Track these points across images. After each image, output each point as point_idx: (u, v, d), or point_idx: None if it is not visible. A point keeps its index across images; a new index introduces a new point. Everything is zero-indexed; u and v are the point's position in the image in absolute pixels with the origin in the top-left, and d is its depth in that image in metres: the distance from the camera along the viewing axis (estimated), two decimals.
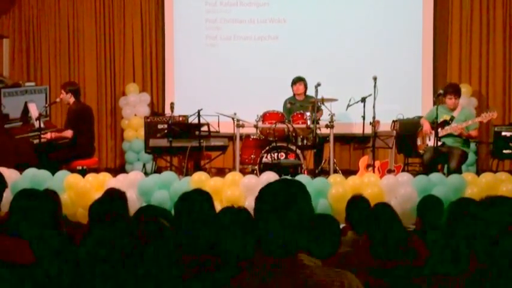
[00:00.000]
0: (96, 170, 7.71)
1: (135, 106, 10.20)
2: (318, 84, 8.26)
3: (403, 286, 3.32)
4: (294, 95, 9.03)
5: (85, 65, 10.47)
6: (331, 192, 6.48)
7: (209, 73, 10.27)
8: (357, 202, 4.75)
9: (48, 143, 7.92)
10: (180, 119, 9.06)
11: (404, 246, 3.72)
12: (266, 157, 8.23)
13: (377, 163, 8.41)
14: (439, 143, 7.70)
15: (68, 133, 8.05)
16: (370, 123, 8.22)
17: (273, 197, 2.19)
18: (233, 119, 8.45)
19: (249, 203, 5.84)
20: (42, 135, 7.80)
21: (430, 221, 4.47)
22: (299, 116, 8.42)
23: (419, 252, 3.85)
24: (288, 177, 6.22)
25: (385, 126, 8.78)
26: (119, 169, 9.94)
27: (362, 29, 10.01)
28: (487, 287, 2.41)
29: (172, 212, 3.67)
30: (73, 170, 7.48)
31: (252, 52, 10.20)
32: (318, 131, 8.36)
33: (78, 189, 6.63)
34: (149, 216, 3.41)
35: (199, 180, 6.57)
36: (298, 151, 8.25)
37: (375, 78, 8.21)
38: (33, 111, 8.23)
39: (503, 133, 9.31)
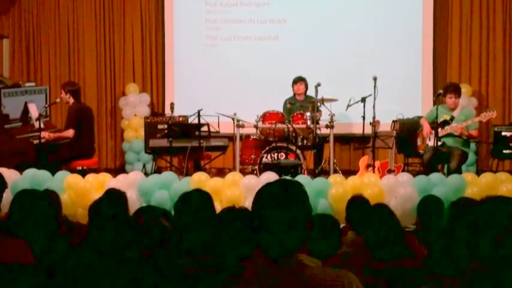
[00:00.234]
0: (96, 170, 7.71)
1: (135, 106, 10.20)
2: (318, 84, 8.26)
3: (402, 286, 3.32)
4: (294, 95, 9.03)
5: (85, 65, 10.47)
6: (331, 192, 6.48)
7: (209, 73, 10.27)
8: (357, 202, 4.76)
9: (48, 143, 7.92)
10: (180, 119, 9.06)
11: (402, 247, 3.72)
12: (266, 157, 8.23)
13: (377, 163, 8.41)
14: (439, 143, 7.70)
15: (69, 133, 8.04)
16: (370, 123, 8.22)
17: (270, 197, 2.19)
18: (233, 119, 8.45)
19: (249, 203, 5.84)
20: (42, 136, 7.80)
21: (430, 221, 4.47)
22: (299, 116, 8.42)
23: (418, 253, 3.85)
24: (287, 177, 6.23)
25: (385, 126, 8.78)
26: (119, 169, 9.94)
27: (362, 29, 10.01)
28: (487, 287, 2.41)
29: (172, 212, 3.67)
30: (73, 170, 7.47)
31: (252, 52, 10.20)
32: (318, 131, 8.36)
33: (78, 189, 6.63)
34: (148, 216, 3.42)
35: (199, 180, 6.57)
36: (298, 151, 8.25)
37: (375, 78, 8.21)
38: (33, 111, 8.23)
39: (503, 133, 9.30)
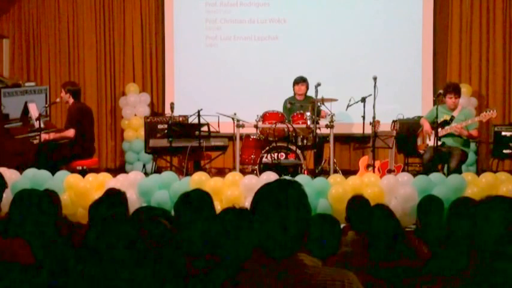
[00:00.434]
0: (96, 170, 7.70)
1: (135, 106, 10.21)
2: (318, 84, 8.26)
3: (403, 286, 3.32)
4: (295, 94, 9.02)
5: (85, 65, 10.47)
6: (331, 192, 6.48)
7: (209, 73, 10.27)
8: (357, 202, 4.76)
9: (48, 143, 7.92)
10: (180, 119, 9.06)
11: (403, 247, 3.72)
12: (266, 157, 8.23)
13: (377, 163, 8.41)
14: (439, 143, 7.71)
15: (70, 132, 8.04)
16: (370, 123, 8.22)
17: (269, 197, 2.19)
18: (233, 119, 8.45)
19: (249, 203, 5.84)
20: (43, 136, 7.80)
21: (430, 221, 4.47)
22: (299, 116, 8.42)
23: (419, 252, 3.85)
24: (287, 177, 6.23)
25: (385, 126, 8.78)
26: (118, 169, 9.94)
27: (362, 29, 10.01)
28: (487, 287, 2.41)
29: (172, 212, 3.67)
30: (73, 170, 7.48)
31: (252, 52, 10.21)
32: (318, 131, 8.36)
33: (78, 189, 6.63)
34: (148, 216, 3.41)
35: (199, 180, 6.57)
36: (298, 151, 8.25)
37: (374, 78, 8.21)
38: (33, 111, 8.23)
39: (503, 133, 9.31)
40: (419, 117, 8.69)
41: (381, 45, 9.97)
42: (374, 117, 8.18)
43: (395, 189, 6.47)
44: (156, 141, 8.59)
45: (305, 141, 8.40)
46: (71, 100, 8.17)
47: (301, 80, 8.97)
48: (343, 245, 3.92)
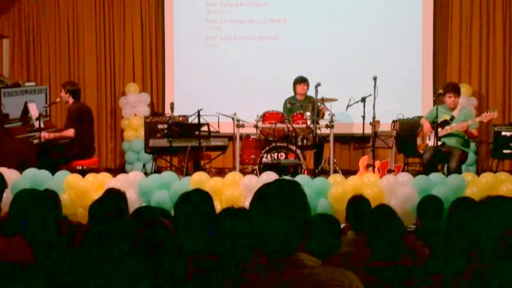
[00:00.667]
0: (96, 170, 7.70)
1: (135, 106, 10.21)
2: (318, 84, 8.26)
3: (403, 286, 3.32)
4: (296, 94, 9.02)
5: (85, 65, 10.47)
6: (331, 192, 6.47)
7: (209, 73, 10.27)
8: (357, 202, 4.75)
9: (48, 143, 7.92)
10: (180, 119, 9.05)
11: (403, 246, 3.72)
12: (266, 157, 8.23)
13: (377, 163, 8.41)
14: (439, 143, 7.71)
15: (70, 132, 8.04)
16: (370, 123, 8.22)
17: (269, 197, 2.19)
18: (233, 119, 8.45)
19: (249, 203, 5.84)
20: (42, 136, 7.80)
21: (430, 221, 4.47)
22: (299, 116, 8.42)
23: (419, 252, 3.85)
24: (286, 177, 6.23)
25: (385, 126, 8.77)
26: (118, 169, 9.93)
27: (362, 29, 10.01)
28: (487, 287, 2.41)
29: (172, 212, 3.67)
30: (73, 170, 7.47)
31: (252, 52, 10.20)
32: (318, 131, 8.36)
33: (78, 189, 6.62)
34: (148, 216, 3.41)
35: (199, 180, 6.56)
36: (298, 151, 8.25)
37: (374, 78, 8.22)
38: (33, 111, 8.23)
39: (503, 133, 9.31)
40: (419, 117, 8.69)
41: (381, 45, 9.97)
42: (374, 117, 8.18)
43: (395, 189, 6.46)
44: (156, 141, 8.58)
45: (305, 141, 8.40)
46: (71, 100, 8.16)
47: (303, 80, 8.97)
48: (343, 245, 3.92)
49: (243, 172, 7.95)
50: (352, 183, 6.61)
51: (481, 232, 2.49)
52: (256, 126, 8.35)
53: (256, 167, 8.23)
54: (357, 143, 9.89)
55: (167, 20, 10.33)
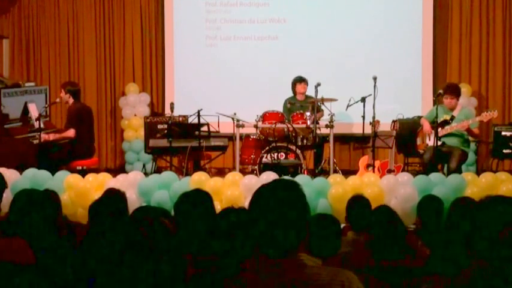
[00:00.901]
0: (96, 170, 7.70)
1: (135, 106, 10.21)
2: (318, 84, 8.26)
3: (403, 286, 3.32)
4: (295, 94, 9.02)
5: (85, 65, 10.47)
6: (331, 192, 6.47)
7: (209, 73, 10.28)
8: (357, 202, 4.76)
9: (48, 143, 7.92)
10: (180, 119, 9.05)
11: (403, 246, 3.71)
12: (266, 157, 8.23)
13: (377, 163, 8.41)
14: (439, 143, 7.70)
15: (71, 132, 8.04)
16: (370, 123, 8.22)
17: (268, 197, 2.19)
18: (233, 119, 8.45)
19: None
20: (43, 137, 7.80)
21: (430, 221, 4.47)
22: (299, 116, 8.42)
23: (419, 252, 3.85)
24: (286, 177, 6.23)
25: (385, 126, 8.77)
26: (118, 169, 9.94)
27: (362, 29, 10.01)
28: (487, 286, 2.41)
29: (172, 212, 3.66)
30: (73, 170, 7.47)
31: (252, 52, 10.21)
32: (318, 131, 8.36)
33: (78, 189, 6.62)
34: (148, 216, 3.41)
35: (199, 180, 6.56)
36: (298, 151, 8.25)
37: (374, 78, 8.21)
38: (33, 111, 8.22)
39: (503, 133, 9.30)
40: (419, 117, 8.69)
41: (381, 45, 9.97)
42: (374, 117, 8.17)
43: (395, 189, 6.46)
44: (156, 141, 8.59)
45: (305, 141, 8.40)
46: (71, 100, 8.16)
47: (302, 80, 8.98)
48: (343, 245, 3.92)
49: (243, 172, 7.95)
50: (352, 183, 6.61)
51: (481, 232, 2.49)
52: (256, 126, 8.35)
53: (256, 167, 8.23)
54: (356, 143, 9.89)
55: (167, 20, 10.33)
